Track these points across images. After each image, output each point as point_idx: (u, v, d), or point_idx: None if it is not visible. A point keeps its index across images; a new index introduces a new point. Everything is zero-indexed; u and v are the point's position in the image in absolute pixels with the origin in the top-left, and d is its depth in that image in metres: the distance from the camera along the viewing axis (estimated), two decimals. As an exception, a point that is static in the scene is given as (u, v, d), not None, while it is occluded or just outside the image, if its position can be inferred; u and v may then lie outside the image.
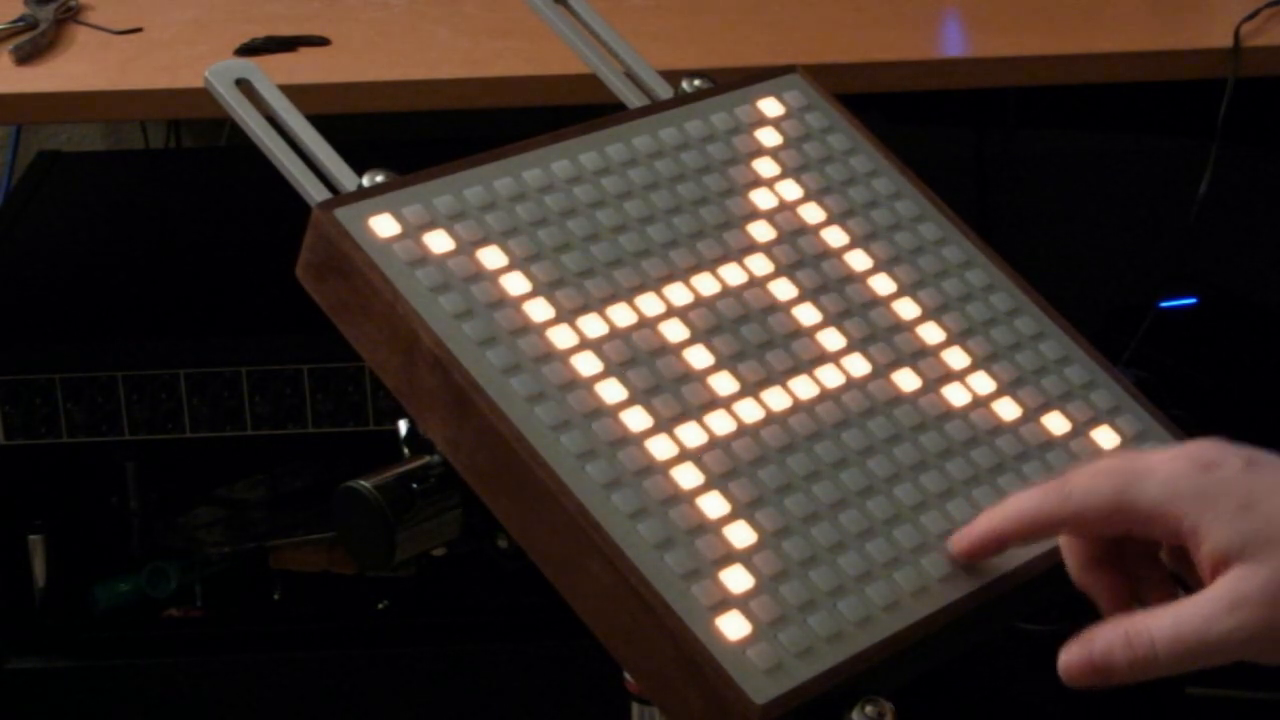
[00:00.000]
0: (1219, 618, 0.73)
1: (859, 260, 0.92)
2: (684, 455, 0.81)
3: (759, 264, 0.89)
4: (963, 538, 0.81)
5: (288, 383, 1.72)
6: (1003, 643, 1.61)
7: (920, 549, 0.82)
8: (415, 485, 0.84)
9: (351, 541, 0.85)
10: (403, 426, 0.86)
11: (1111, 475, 0.77)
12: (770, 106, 0.97)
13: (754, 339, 0.86)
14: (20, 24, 1.72)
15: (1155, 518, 0.76)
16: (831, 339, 0.88)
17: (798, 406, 0.85)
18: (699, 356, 0.84)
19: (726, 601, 0.77)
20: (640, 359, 0.83)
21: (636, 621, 0.76)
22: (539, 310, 0.83)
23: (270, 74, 0.88)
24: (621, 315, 0.84)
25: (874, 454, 0.84)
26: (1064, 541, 0.81)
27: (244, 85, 0.87)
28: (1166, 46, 1.66)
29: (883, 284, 0.91)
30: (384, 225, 0.83)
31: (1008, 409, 0.89)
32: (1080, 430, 0.90)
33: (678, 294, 0.86)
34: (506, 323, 0.82)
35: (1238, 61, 1.62)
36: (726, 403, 0.83)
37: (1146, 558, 0.80)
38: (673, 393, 0.83)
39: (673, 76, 0.97)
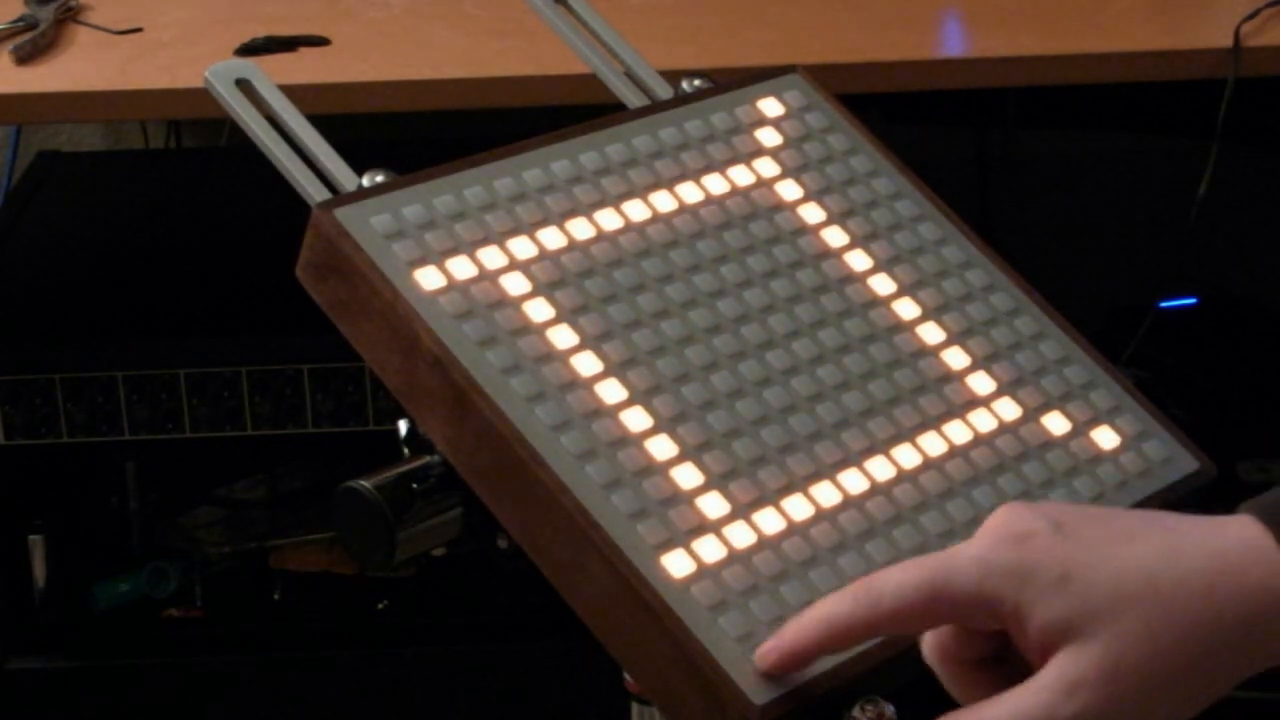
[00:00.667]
0: (1058, 705, 0.69)
1: (859, 260, 0.92)
2: (684, 455, 0.81)
3: (759, 263, 0.89)
4: (768, 652, 0.75)
5: (288, 383, 1.72)
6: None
7: (920, 549, 0.82)
8: (415, 485, 0.84)
9: (351, 541, 0.85)
10: (403, 426, 0.86)
11: (920, 568, 0.71)
12: (770, 106, 0.97)
13: (754, 338, 0.86)
14: (20, 24, 1.72)
15: (974, 604, 0.71)
16: (831, 338, 0.88)
17: (797, 406, 0.85)
18: (699, 355, 0.84)
19: (726, 602, 0.77)
20: (640, 359, 0.83)
21: (636, 621, 0.76)
22: (539, 310, 0.83)
23: (270, 74, 0.88)
24: (621, 314, 0.84)
25: (874, 454, 0.84)
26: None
27: (244, 85, 0.87)
28: (1166, 46, 1.66)
29: (883, 284, 0.91)
30: (384, 225, 0.83)
31: (1008, 409, 0.89)
32: (1080, 430, 0.90)
33: (678, 293, 0.86)
34: (506, 323, 0.82)
35: (1238, 61, 1.62)
36: (726, 402, 0.83)
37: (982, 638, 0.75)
38: (672, 392, 0.83)
39: (673, 76, 0.97)
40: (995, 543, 0.71)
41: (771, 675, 0.75)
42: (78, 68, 1.66)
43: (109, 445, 1.73)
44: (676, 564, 0.77)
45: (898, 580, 0.72)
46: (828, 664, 0.76)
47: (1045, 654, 0.70)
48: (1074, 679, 0.69)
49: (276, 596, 1.82)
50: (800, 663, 0.75)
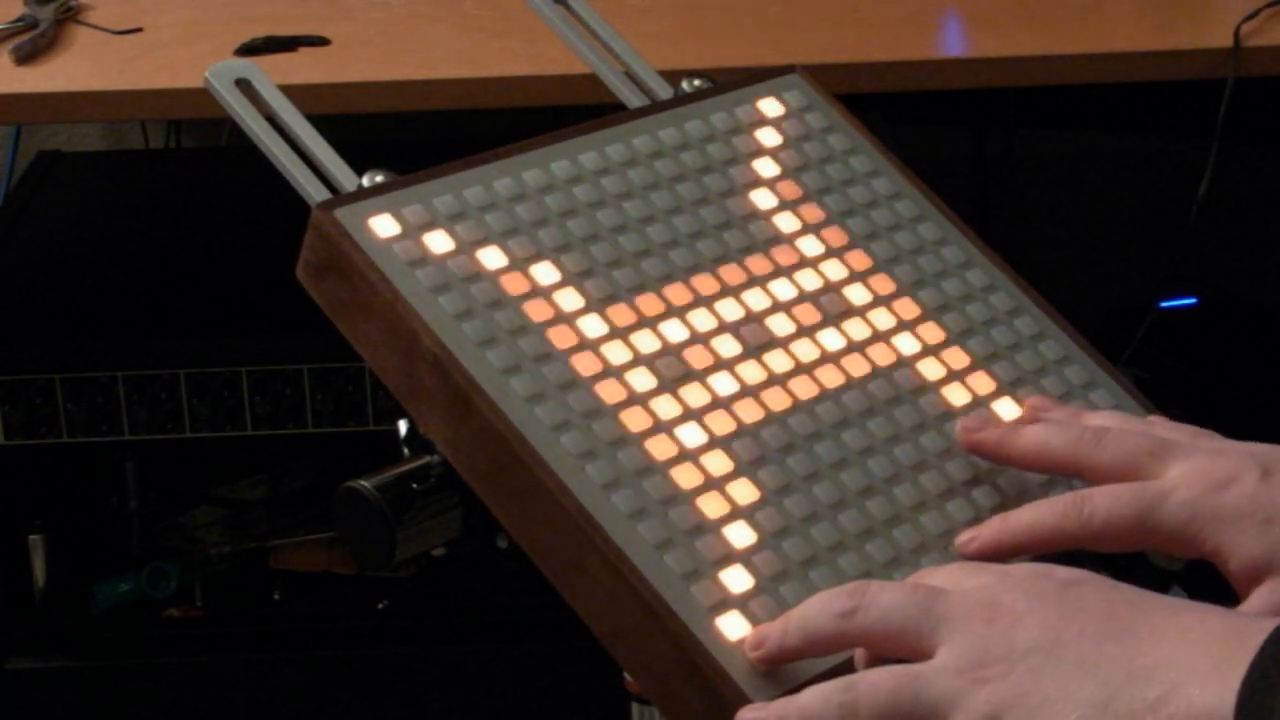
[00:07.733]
0: None
1: (859, 260, 0.92)
2: (684, 455, 0.81)
3: (759, 264, 0.89)
4: (972, 541, 0.81)
5: (288, 383, 1.72)
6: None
7: (920, 549, 0.82)
8: (415, 485, 0.84)
9: (351, 541, 0.85)
10: (403, 426, 0.86)
11: (1133, 500, 0.78)
12: (770, 106, 0.97)
13: (754, 340, 0.86)
14: (20, 24, 1.72)
15: (1176, 539, 0.78)
16: (831, 339, 0.88)
17: (797, 406, 0.84)
18: (698, 357, 0.84)
19: (726, 601, 0.77)
20: (640, 359, 0.83)
21: (636, 621, 0.76)
22: (538, 310, 0.83)
23: (270, 74, 0.88)
24: (621, 315, 0.84)
25: (874, 454, 0.84)
26: None
27: (244, 85, 0.87)
28: (1166, 46, 1.66)
29: (883, 284, 0.91)
30: (384, 225, 0.83)
31: (1007, 409, 0.89)
32: (1080, 430, 0.90)
33: (677, 294, 0.86)
34: (506, 322, 0.82)
35: (1238, 61, 1.62)
36: (726, 403, 0.83)
37: None
38: (672, 393, 0.83)
39: (673, 76, 0.97)
40: (1203, 486, 0.77)
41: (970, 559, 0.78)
42: (78, 68, 1.66)
43: (109, 445, 1.73)
44: (677, 564, 0.77)
45: (1109, 507, 0.78)
46: (828, 663, 0.76)
47: (1249, 585, 0.77)
48: (1277, 606, 0.75)
49: (276, 596, 1.82)
50: (999, 557, 0.80)
